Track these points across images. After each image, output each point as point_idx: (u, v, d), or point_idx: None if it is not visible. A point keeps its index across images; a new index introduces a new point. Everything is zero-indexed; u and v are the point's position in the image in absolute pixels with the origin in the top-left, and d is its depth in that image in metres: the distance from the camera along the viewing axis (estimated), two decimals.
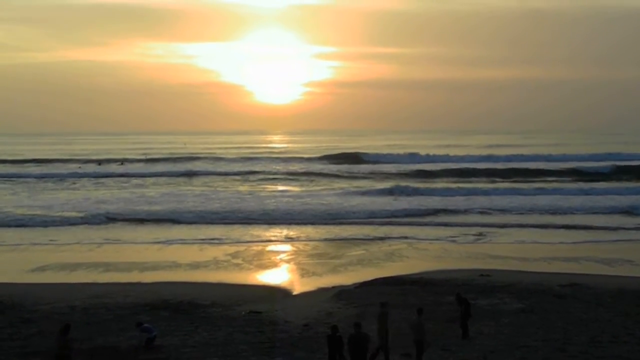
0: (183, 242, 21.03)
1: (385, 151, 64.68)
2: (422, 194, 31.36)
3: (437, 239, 21.17)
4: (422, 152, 60.01)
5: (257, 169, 46.79)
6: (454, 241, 20.90)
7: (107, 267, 17.29)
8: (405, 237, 21.43)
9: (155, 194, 33.77)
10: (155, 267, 17.25)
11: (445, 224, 24.24)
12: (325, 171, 44.35)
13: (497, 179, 40.80)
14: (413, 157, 55.60)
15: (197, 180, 40.98)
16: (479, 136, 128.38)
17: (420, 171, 44.15)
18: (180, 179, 41.70)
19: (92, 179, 40.97)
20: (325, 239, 21.45)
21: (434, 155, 56.59)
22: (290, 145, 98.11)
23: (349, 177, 41.78)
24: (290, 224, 24.23)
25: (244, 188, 36.01)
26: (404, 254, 18.93)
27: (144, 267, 17.23)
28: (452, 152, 63.71)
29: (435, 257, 18.51)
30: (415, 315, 9.60)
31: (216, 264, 17.71)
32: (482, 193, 32.21)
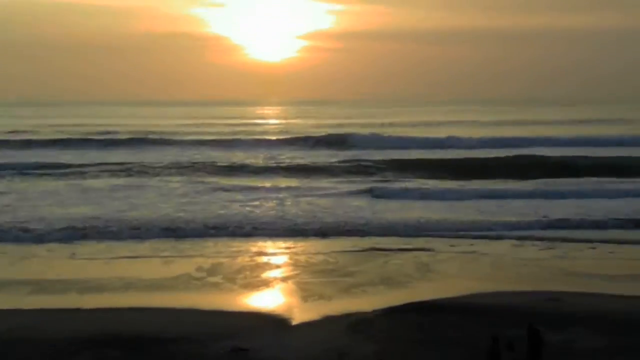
0: (137, 255, 21.03)
1: (401, 130, 64.79)
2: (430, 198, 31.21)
3: (482, 252, 21.18)
4: (464, 133, 59.87)
5: (219, 155, 48.10)
6: (508, 253, 20.93)
7: (35, 287, 17.21)
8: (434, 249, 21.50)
9: (100, 188, 34.20)
10: (100, 287, 17.21)
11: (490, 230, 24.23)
12: (320, 162, 45.01)
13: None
14: (442, 142, 55.62)
15: (151, 171, 41.33)
16: (541, 108, 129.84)
17: (464, 161, 43.99)
18: (134, 168, 42.16)
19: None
20: (332, 251, 21.47)
21: (471, 139, 56.62)
22: (278, 121, 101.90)
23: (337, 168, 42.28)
24: (286, 233, 24.22)
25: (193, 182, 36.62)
26: (440, 269, 18.95)
27: (84, 287, 17.18)
28: (509, 131, 63.88)
29: (484, 274, 18.47)
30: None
31: (186, 283, 17.63)
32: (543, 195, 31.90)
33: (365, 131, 65.80)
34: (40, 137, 60.20)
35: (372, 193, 32.33)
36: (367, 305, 15.39)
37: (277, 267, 19.85)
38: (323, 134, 62.06)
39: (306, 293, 16.69)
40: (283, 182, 36.80)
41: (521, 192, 32.36)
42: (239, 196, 31.84)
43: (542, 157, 44.86)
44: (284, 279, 18.34)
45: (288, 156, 49.14)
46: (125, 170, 41.43)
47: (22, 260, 20.45)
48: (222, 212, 27.40)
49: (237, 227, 24.62)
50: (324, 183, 36.56)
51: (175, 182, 36.61)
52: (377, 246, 21.95)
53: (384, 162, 44.04)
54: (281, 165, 44.48)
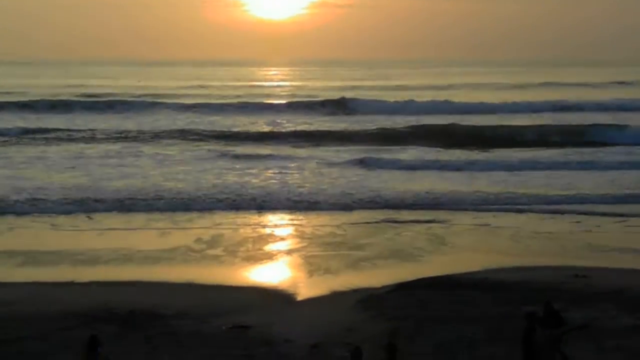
0: (132, 226, 21.19)
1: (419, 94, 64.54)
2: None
3: (502, 225, 21.23)
4: (482, 98, 59.77)
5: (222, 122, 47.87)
6: (530, 226, 21.00)
7: (25, 258, 17.45)
8: (452, 221, 21.61)
9: (92, 155, 34.38)
10: (94, 259, 17.38)
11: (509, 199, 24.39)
12: (324, 128, 45.17)
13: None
14: (458, 107, 55.30)
15: (145, 137, 41.38)
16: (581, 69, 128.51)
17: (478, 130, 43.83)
18: (122, 133, 42.16)
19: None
20: (342, 224, 21.61)
21: (490, 104, 56.38)
22: (280, 83, 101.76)
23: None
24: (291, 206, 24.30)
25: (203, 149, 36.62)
26: (457, 242, 19.09)
27: (78, 259, 17.36)
28: (533, 95, 63.22)
29: (505, 248, 18.57)
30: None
31: (184, 255, 17.82)
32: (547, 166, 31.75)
33: (372, 95, 65.50)
34: (27, 99, 59.98)
35: (374, 162, 32.32)
36: (377, 281, 15.53)
37: (282, 239, 20.06)
38: (327, 97, 61.86)
39: (312, 267, 16.86)
40: (282, 150, 36.93)
41: (546, 162, 32.37)
42: (237, 164, 32.05)
43: (570, 126, 44.49)
44: (289, 252, 18.52)
45: (288, 122, 49.18)
46: (120, 136, 41.52)
47: (10, 231, 20.69)
48: (218, 181, 27.63)
49: (238, 197, 24.86)
50: (326, 151, 36.68)
51: (171, 150, 36.78)
52: (388, 217, 22.13)
53: (391, 129, 44.05)
54: (282, 131, 44.58)
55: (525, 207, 23.62)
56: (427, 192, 25.44)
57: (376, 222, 21.56)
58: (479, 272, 16.00)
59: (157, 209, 23.33)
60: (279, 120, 49.56)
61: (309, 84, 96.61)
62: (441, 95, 64.06)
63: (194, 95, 67.91)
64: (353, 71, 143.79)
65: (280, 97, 70.58)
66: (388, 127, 44.82)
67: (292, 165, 32.16)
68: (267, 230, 20.96)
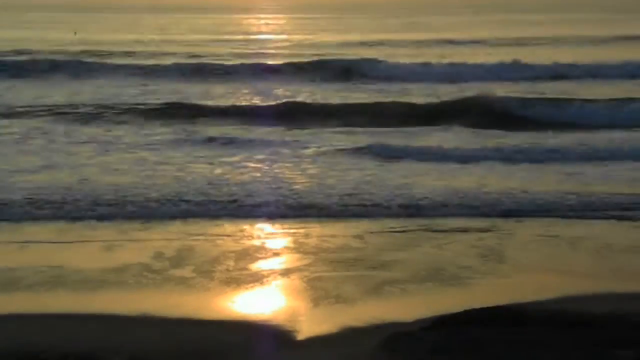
0: (66, 239, 21.24)
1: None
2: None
3: (583, 236, 21.40)
4: (533, 59, 60.06)
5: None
6: (616, 238, 21.10)
7: None
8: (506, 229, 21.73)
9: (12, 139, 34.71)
10: (11, 282, 17.44)
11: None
12: (329, 103, 46.00)
13: None
14: (500, 70, 56.01)
15: (80, 111, 41.98)
16: None
17: None
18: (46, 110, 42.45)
19: None
20: (359, 233, 21.77)
21: (540, 66, 56.99)
22: (273, 37, 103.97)
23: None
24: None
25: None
26: (521, 259, 19.17)
27: None
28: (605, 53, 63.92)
29: (587, 268, 18.62)
30: None
31: (138, 277, 17.85)
32: None
33: (401, 55, 65.76)
34: None
35: (398, 150, 32.45)
36: (408, 313, 15.57)
37: (275, 254, 20.03)
38: (334, 57, 62.30)
39: (318, 293, 16.85)
40: (272, 133, 37.10)
41: (629, 149, 32.48)
42: (210, 152, 32.11)
43: None
44: (285, 273, 18.46)
45: (278, 93, 49.69)
46: (46, 110, 41.81)
47: None
48: (183, 174, 27.86)
49: (217, 198, 24.90)
50: (332, 133, 36.86)
51: (118, 130, 37.05)
52: (423, 225, 22.15)
53: (413, 104, 44.65)
54: (269, 105, 44.94)
55: (615, 212, 23.60)
56: (478, 191, 25.58)
57: (407, 231, 21.62)
58: (551, 300, 16.05)
59: (100, 215, 23.28)
60: (266, 90, 50.00)
61: (312, 38, 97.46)
62: (503, 55, 64.37)
63: (151, 54, 68.46)
64: (375, 20, 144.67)
65: (270, 57, 71.17)
66: (422, 101, 45.33)
67: (286, 152, 32.36)
68: (255, 242, 21.00)
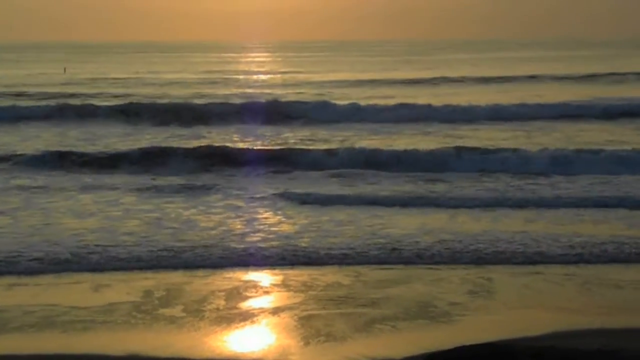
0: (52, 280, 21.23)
1: None
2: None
3: (573, 271, 21.42)
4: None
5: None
6: (615, 271, 21.16)
7: None
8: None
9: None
10: (2, 323, 17.27)
11: None
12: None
13: None
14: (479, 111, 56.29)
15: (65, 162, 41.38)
16: None
17: None
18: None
19: None
20: (346, 271, 21.80)
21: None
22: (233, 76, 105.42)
23: None
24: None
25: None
26: (510, 294, 19.19)
27: None
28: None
29: (578, 303, 18.63)
30: None
31: (127, 317, 17.80)
32: None
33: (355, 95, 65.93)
34: None
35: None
36: (399, 350, 15.53)
37: (266, 292, 19.99)
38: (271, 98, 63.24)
39: (308, 332, 16.83)
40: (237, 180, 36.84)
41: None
42: (182, 203, 31.78)
43: None
44: (275, 311, 18.43)
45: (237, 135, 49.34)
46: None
47: None
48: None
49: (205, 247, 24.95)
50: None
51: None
52: (411, 260, 22.21)
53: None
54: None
55: (606, 245, 23.63)
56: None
57: (396, 268, 21.65)
58: (542, 336, 16.04)
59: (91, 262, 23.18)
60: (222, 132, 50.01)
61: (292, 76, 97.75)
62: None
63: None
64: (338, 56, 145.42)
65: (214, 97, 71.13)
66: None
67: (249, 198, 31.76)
68: (245, 280, 20.98)
